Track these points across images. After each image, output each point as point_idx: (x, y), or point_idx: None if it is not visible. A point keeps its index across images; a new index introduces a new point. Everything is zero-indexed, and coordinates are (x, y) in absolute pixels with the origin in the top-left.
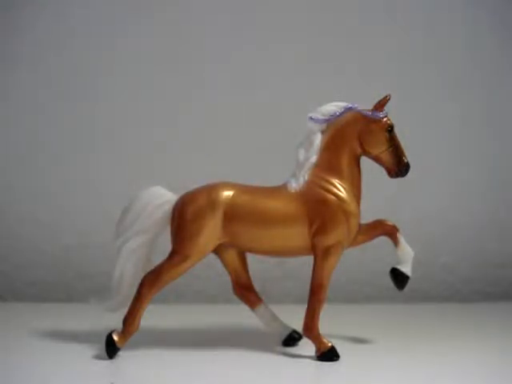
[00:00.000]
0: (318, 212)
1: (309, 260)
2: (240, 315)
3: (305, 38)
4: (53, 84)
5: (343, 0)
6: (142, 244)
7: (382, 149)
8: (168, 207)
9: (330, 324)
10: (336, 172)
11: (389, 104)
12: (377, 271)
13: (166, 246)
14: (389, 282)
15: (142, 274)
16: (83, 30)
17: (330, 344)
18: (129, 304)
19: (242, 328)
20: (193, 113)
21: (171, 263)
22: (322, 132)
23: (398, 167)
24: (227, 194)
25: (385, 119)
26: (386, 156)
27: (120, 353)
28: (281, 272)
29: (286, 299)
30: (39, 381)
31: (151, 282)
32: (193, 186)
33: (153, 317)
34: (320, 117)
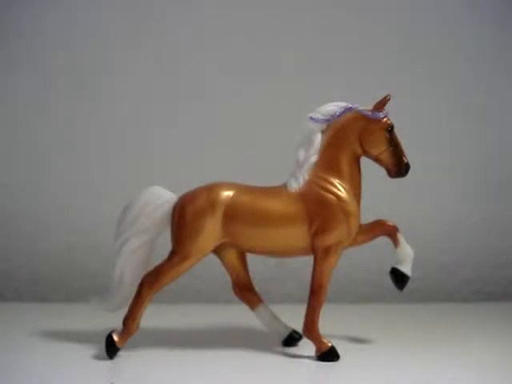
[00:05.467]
0: (318, 212)
1: (309, 260)
2: (240, 315)
3: (305, 38)
4: (53, 84)
5: (343, 0)
6: (142, 244)
7: (381, 149)
8: (168, 207)
9: (330, 324)
10: (336, 172)
11: (389, 104)
12: (377, 271)
13: (166, 246)
14: (389, 281)
15: (141, 274)
16: (83, 31)
17: (330, 344)
18: (129, 304)
19: (242, 328)
20: (193, 113)
21: (171, 263)
22: (322, 132)
23: (398, 167)
24: (227, 193)
25: (385, 119)
26: (386, 156)
27: (120, 353)
28: (281, 272)
29: (287, 299)
30: (39, 381)
31: (151, 281)
32: (193, 186)
33: (153, 317)
34: (320, 117)
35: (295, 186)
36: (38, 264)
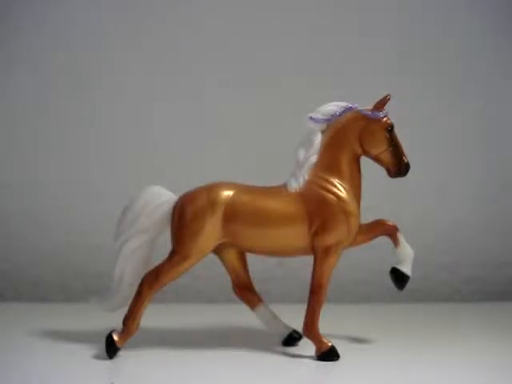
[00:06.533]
0: (318, 212)
1: (309, 260)
2: (240, 315)
3: (305, 38)
4: (53, 84)
5: (343, 0)
6: (142, 244)
7: (381, 149)
8: (168, 207)
9: (330, 324)
10: (336, 172)
11: (389, 104)
12: (376, 271)
13: (166, 246)
14: (389, 281)
15: (142, 274)
16: (83, 31)
17: (330, 344)
18: (129, 304)
19: (242, 328)
20: (193, 113)
21: (171, 263)
22: (322, 132)
23: (398, 167)
24: (227, 193)
25: (385, 119)
26: (386, 156)
27: (120, 353)
28: (281, 272)
29: (287, 299)
30: (39, 381)
31: (151, 281)
32: (193, 186)
33: (153, 317)
34: (320, 117)
35: (295, 185)
36: (38, 264)
